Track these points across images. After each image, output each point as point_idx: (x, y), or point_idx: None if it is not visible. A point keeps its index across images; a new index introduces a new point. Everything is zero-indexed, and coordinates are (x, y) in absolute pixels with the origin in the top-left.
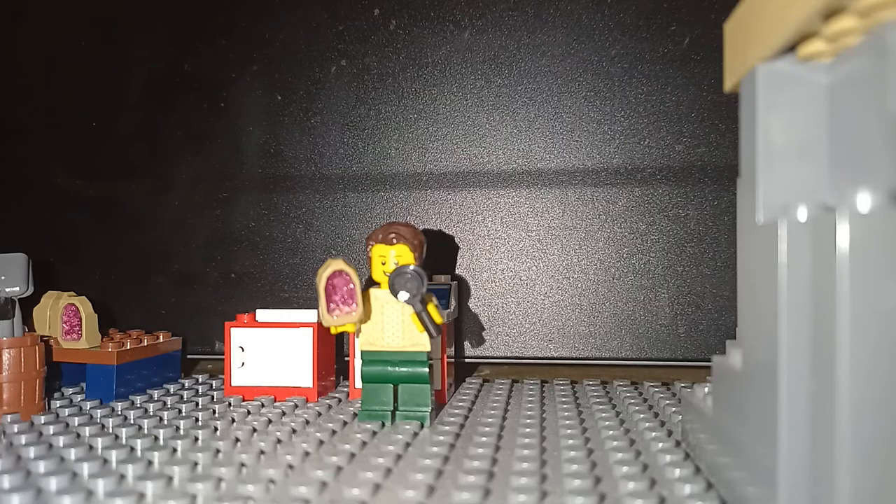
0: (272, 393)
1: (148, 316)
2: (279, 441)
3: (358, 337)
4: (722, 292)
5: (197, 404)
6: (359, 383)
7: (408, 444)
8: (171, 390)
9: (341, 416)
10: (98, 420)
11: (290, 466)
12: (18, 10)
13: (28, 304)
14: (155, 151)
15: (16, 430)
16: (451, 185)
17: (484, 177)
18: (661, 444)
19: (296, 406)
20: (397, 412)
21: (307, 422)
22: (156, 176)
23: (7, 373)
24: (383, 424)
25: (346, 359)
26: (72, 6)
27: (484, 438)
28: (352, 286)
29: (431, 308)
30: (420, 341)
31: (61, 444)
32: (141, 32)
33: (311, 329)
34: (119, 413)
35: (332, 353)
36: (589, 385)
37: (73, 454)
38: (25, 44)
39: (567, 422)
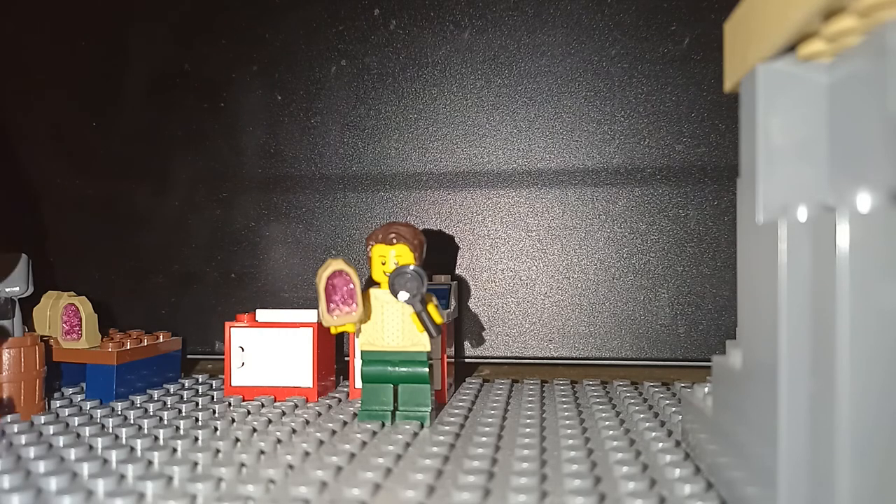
0: (272, 393)
1: (148, 316)
2: (279, 441)
3: (358, 337)
4: (722, 292)
5: (197, 404)
6: (359, 383)
7: (408, 444)
8: (171, 390)
9: (341, 416)
10: (98, 420)
11: (290, 466)
12: (18, 9)
13: (28, 304)
14: (155, 151)
15: (16, 430)
16: (451, 185)
17: (484, 177)
18: (661, 444)
19: (296, 406)
20: (397, 412)
21: (307, 422)
22: (156, 176)
23: (7, 373)
24: (383, 424)
25: (346, 359)
26: (72, 6)
27: (484, 438)
28: (352, 286)
29: (431, 308)
30: (420, 341)
31: (61, 444)
32: (141, 32)
33: (311, 329)
34: (119, 413)
35: (332, 353)
36: (589, 385)
37: (73, 454)
38: (25, 43)
39: (567, 422)
